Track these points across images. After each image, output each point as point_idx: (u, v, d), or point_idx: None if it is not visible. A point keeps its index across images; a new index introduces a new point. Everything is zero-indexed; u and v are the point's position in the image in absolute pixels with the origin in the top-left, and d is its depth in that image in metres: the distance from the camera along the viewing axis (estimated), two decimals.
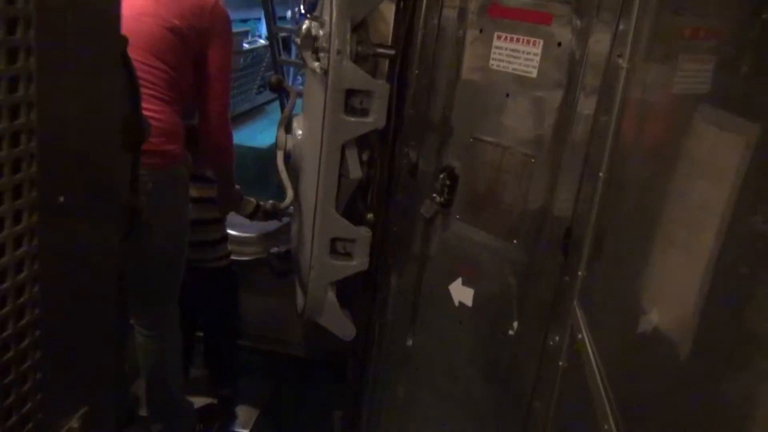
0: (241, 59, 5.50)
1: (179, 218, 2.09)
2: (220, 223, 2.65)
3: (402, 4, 1.87)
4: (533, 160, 1.64)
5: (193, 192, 2.30)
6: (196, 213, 2.36)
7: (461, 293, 1.83)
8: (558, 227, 1.63)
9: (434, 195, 1.82)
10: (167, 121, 1.92)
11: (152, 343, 2.19)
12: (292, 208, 2.16)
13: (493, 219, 1.74)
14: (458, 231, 1.83)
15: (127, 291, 2.12)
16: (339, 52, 1.76)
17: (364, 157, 1.98)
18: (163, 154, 1.93)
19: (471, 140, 1.75)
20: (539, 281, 1.69)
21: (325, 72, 1.78)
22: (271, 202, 2.17)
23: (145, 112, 1.91)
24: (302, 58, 1.86)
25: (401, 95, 1.87)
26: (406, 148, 1.93)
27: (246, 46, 5.72)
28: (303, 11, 1.88)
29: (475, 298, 1.81)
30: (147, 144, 1.93)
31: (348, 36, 1.77)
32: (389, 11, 1.97)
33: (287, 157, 2.09)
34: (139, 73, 1.90)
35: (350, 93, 1.81)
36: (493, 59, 1.67)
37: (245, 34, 5.83)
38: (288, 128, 2.14)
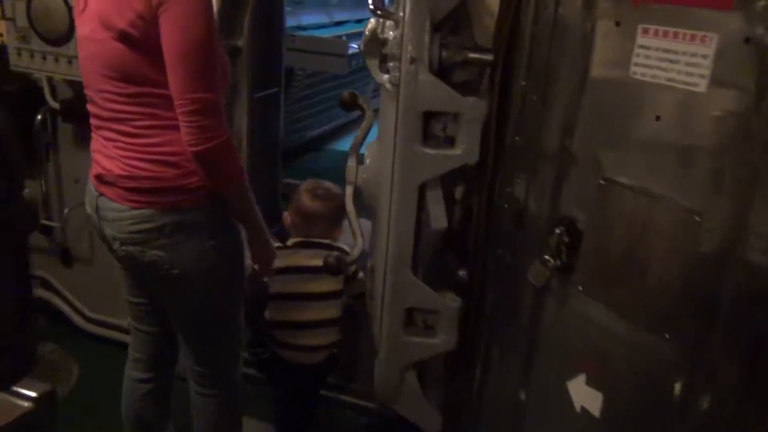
0: (353, 62, 5.14)
1: (220, 265, 1.67)
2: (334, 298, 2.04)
3: None
4: (699, 218, 1.07)
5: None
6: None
7: (585, 396, 1.29)
8: (740, 319, 1.05)
9: (547, 257, 1.29)
10: (178, 151, 1.52)
11: (203, 402, 1.84)
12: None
13: (633, 298, 1.18)
14: (581, 309, 1.28)
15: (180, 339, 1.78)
16: (413, 60, 1.28)
17: (456, 194, 1.49)
18: (182, 190, 1.54)
19: (601, 182, 1.20)
20: (707, 398, 1.12)
21: (397, 85, 1.32)
22: (335, 254, 1.73)
23: (150, 149, 1.50)
24: (367, 69, 1.41)
25: (503, 117, 1.36)
26: (510, 188, 1.41)
27: (356, 48, 5.35)
28: (370, 4, 1.41)
29: (605, 406, 1.26)
30: (159, 180, 1.51)
31: (427, 38, 1.29)
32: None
33: (358, 192, 1.66)
34: (125, 108, 1.48)
35: (430, 116, 1.33)
36: (635, 65, 1.11)
37: (358, 35, 5.47)
38: (361, 157, 1.70)
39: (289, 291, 2.02)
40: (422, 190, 1.39)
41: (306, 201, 2.05)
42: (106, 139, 1.57)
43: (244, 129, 2.48)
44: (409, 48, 1.29)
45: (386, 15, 1.40)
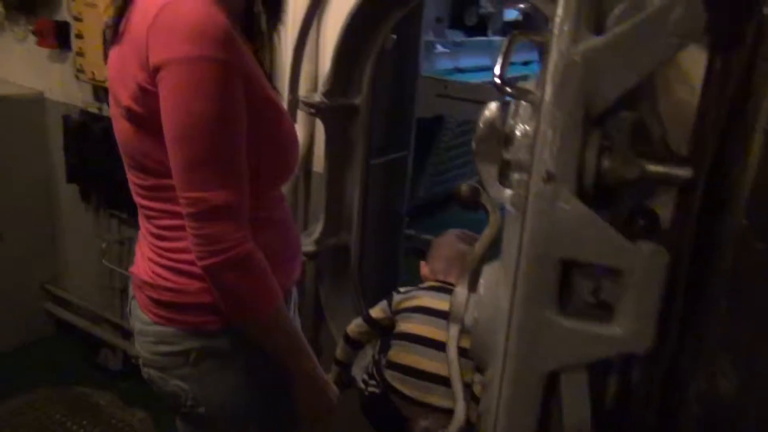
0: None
1: (256, 407, 1.24)
2: None
3: (719, 57, 0.81)
4: None
5: None
6: None
7: None
8: None
9: None
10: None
11: None
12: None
13: None
14: None
15: None
16: (550, 176, 0.76)
17: (610, 382, 0.93)
18: (208, 309, 1.13)
19: None
20: None
21: (522, 212, 0.80)
22: (424, 426, 1.23)
23: (171, 255, 1.13)
24: (479, 175, 0.91)
25: (704, 278, 0.79)
26: (705, 383, 0.83)
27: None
28: (498, 75, 0.91)
29: None
30: (181, 294, 1.11)
31: (577, 140, 0.76)
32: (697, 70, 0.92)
33: (466, 333, 1.15)
34: (147, 203, 1.15)
35: (574, 266, 0.80)
36: None
37: (523, 80, 4.92)
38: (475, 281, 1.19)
39: (411, 332, 1.81)
40: (555, 378, 0.86)
41: (451, 240, 1.94)
42: (143, 234, 1.22)
43: (355, 201, 2.07)
44: (545, 156, 0.77)
45: (518, 94, 0.89)
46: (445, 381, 1.73)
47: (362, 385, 1.93)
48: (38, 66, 2.71)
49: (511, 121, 0.87)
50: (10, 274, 2.75)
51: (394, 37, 1.95)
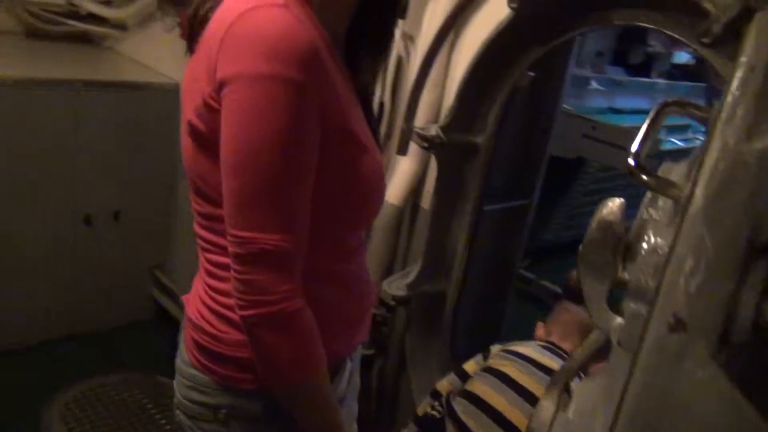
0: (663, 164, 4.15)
1: None
2: None
3: None
4: None
5: None
6: None
7: None
8: None
9: None
10: None
11: None
12: None
13: None
14: None
15: None
16: (679, 324, 0.52)
17: None
18: (244, 365, 0.97)
19: None
20: None
21: (632, 360, 0.57)
22: None
23: (215, 296, 0.99)
24: (582, 289, 0.68)
25: None
26: None
27: (679, 143, 4.33)
28: (634, 154, 0.68)
29: None
30: (219, 342, 0.96)
31: (733, 277, 0.52)
32: None
33: None
34: (201, 232, 1.01)
35: None
36: None
37: (680, 129, 4.45)
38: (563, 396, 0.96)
39: (503, 371, 1.64)
40: None
41: (567, 304, 1.85)
42: (200, 265, 1.10)
43: (459, 248, 1.86)
44: (678, 292, 0.54)
45: (656, 184, 0.66)
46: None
47: (425, 403, 1.79)
48: (181, 58, 2.76)
49: (636, 227, 0.64)
50: (122, 253, 2.81)
51: (531, 74, 1.72)
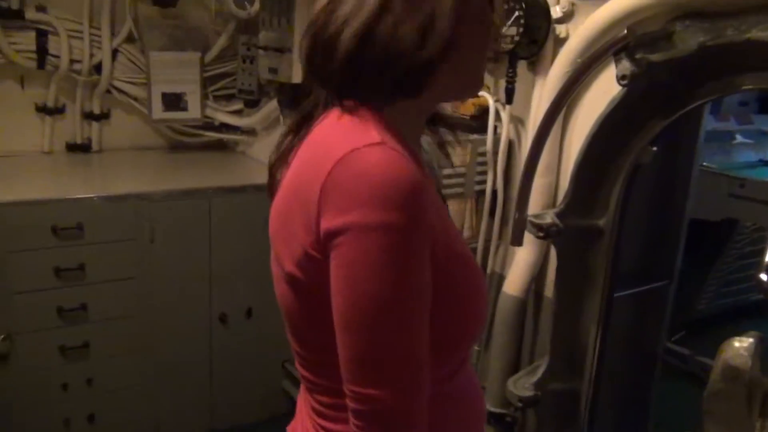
0: None
1: None
2: None
3: None
4: None
5: None
6: None
7: None
8: None
9: None
10: None
11: None
12: None
13: None
14: None
15: None
16: None
17: None
18: None
19: None
20: None
21: None
22: None
23: None
24: None
25: None
26: None
27: None
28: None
29: None
30: None
31: None
32: None
33: None
34: (305, 373, 0.97)
35: None
36: None
37: None
38: None
39: None
40: None
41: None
42: (303, 399, 1.06)
43: (590, 341, 1.71)
44: None
45: None
46: None
47: None
48: None
49: None
50: (255, 349, 2.90)
51: (654, 149, 1.59)
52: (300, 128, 0.95)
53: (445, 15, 0.84)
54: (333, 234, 0.80)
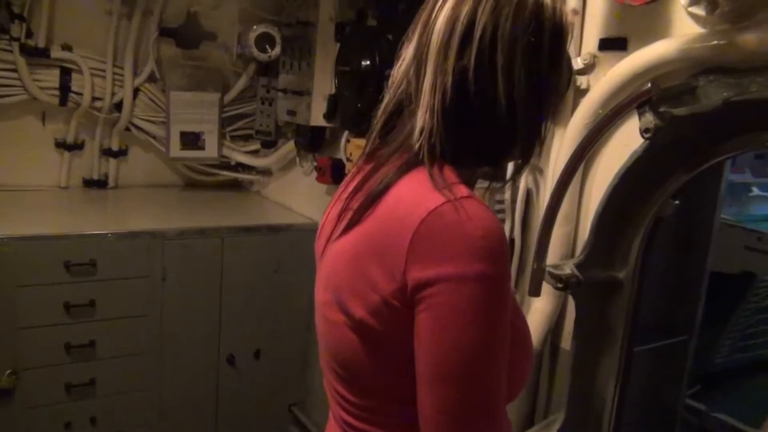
0: None
1: None
2: None
3: None
4: None
5: None
6: None
7: None
8: None
9: None
10: None
11: None
12: None
13: None
14: None
15: None
16: None
17: None
18: None
19: None
20: None
21: None
22: None
23: None
24: None
25: None
26: None
27: None
28: None
29: None
30: None
31: None
32: None
33: None
34: (355, 423, 0.94)
35: None
36: None
37: None
38: None
39: None
40: None
41: None
42: None
43: (608, 396, 1.66)
44: None
45: None
46: None
47: None
48: (317, 199, 2.89)
49: None
50: (262, 392, 2.85)
51: (676, 203, 1.57)
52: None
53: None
54: (424, 284, 0.79)
